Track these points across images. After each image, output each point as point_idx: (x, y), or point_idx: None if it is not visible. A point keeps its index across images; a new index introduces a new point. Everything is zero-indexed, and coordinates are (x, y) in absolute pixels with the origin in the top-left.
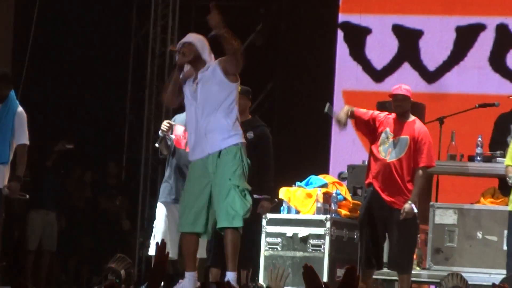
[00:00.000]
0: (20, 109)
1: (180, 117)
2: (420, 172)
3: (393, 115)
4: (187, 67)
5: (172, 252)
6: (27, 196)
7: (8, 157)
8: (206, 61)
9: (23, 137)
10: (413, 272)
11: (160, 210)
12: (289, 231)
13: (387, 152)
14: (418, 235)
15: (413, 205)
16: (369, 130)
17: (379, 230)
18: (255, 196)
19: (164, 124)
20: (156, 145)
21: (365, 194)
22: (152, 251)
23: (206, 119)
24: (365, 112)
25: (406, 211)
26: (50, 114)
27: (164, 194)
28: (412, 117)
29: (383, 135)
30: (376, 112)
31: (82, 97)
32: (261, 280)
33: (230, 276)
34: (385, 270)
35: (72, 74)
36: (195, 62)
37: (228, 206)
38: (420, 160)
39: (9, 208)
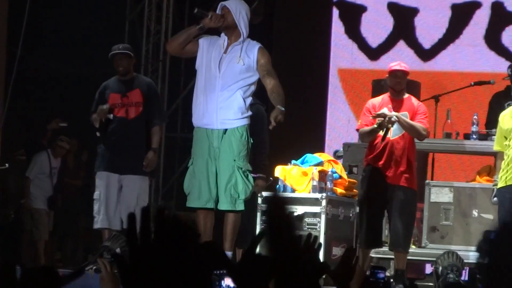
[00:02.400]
0: None
1: (112, 84)
2: (420, 125)
3: (387, 95)
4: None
5: (114, 223)
6: None
7: None
8: (242, 33)
9: None
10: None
11: (97, 181)
12: None
13: (388, 129)
14: None
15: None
16: None
17: (380, 209)
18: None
19: (103, 110)
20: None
21: (363, 173)
22: (100, 224)
23: (224, 93)
24: (368, 122)
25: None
26: (44, 93)
27: (101, 163)
28: (406, 94)
29: (379, 113)
30: (370, 105)
31: (77, 76)
32: None
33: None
34: (380, 249)
35: (66, 53)
36: (229, 30)
37: (231, 188)
38: (421, 122)
39: (5, 186)
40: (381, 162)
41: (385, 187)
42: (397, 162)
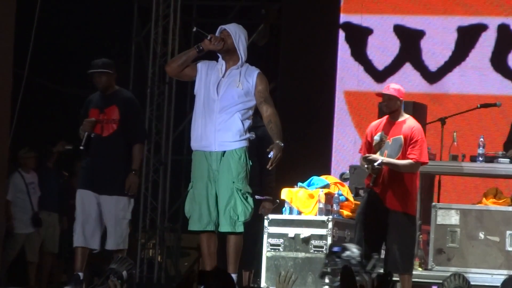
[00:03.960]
0: None
1: (94, 99)
2: (409, 162)
3: (386, 117)
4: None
5: (92, 242)
6: None
7: None
8: (240, 57)
9: None
10: (415, 273)
11: (78, 199)
12: (291, 232)
13: (383, 154)
14: (420, 236)
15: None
16: None
17: (375, 232)
18: (256, 197)
19: (90, 123)
20: (81, 147)
21: (363, 195)
22: (76, 242)
23: (222, 116)
24: (366, 144)
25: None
26: (50, 115)
27: (80, 181)
28: (404, 116)
29: (376, 138)
30: (368, 131)
31: (83, 98)
32: (263, 281)
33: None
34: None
35: (73, 75)
36: (227, 53)
37: (230, 210)
38: (412, 156)
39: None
40: (378, 187)
41: (382, 210)
42: (393, 186)
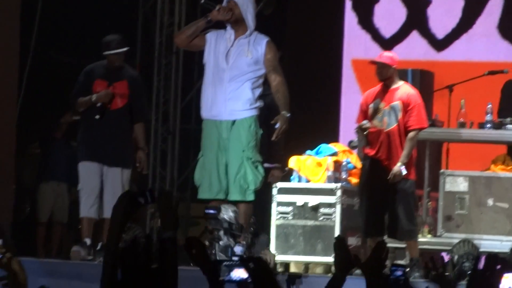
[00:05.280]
0: None
1: (99, 70)
2: (411, 134)
3: (380, 85)
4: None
5: (93, 212)
6: None
7: None
8: (248, 27)
9: None
10: (424, 239)
11: (80, 170)
12: (299, 200)
13: (382, 121)
14: (429, 202)
15: (402, 167)
16: None
17: (380, 198)
18: (265, 165)
19: (108, 94)
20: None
21: (362, 163)
22: (82, 213)
23: (232, 85)
24: (362, 113)
25: (394, 173)
26: (58, 87)
27: (83, 152)
28: (399, 83)
29: (371, 106)
30: (363, 100)
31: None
32: (272, 249)
33: (239, 247)
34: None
35: (79, 45)
36: (236, 23)
37: (241, 179)
38: (410, 123)
39: (19, 180)
40: (378, 153)
41: (383, 177)
42: (392, 152)
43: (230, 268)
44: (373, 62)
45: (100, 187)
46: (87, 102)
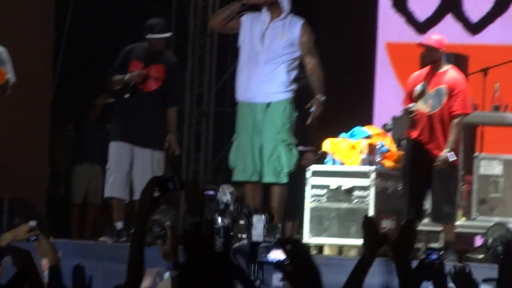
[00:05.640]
0: (0, 47)
1: (138, 51)
2: (456, 120)
3: (427, 68)
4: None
5: (121, 192)
6: None
7: None
8: (283, 9)
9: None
10: (458, 223)
11: (111, 150)
12: (333, 182)
13: (427, 104)
14: (463, 186)
15: (448, 154)
16: None
17: (422, 181)
18: (299, 148)
19: (141, 75)
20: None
21: (406, 145)
22: (107, 193)
23: (267, 67)
24: (408, 95)
25: (441, 159)
26: (93, 69)
27: (114, 133)
28: (446, 66)
29: (417, 88)
30: (409, 82)
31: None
32: (306, 232)
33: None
34: (427, 221)
35: (114, 27)
36: (270, 6)
37: (275, 161)
38: (455, 108)
39: (54, 162)
40: (422, 136)
41: (426, 160)
42: (436, 135)
43: (268, 250)
44: (420, 45)
45: (129, 169)
46: (120, 81)
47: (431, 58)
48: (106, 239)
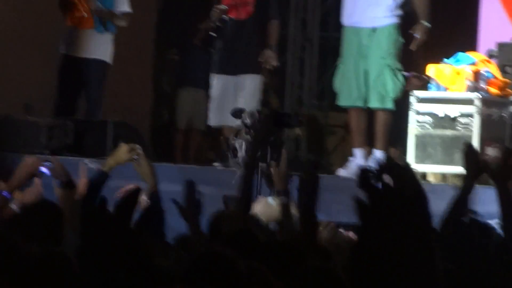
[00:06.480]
0: None
1: None
2: None
3: None
4: None
5: (229, 120)
6: None
7: (114, 27)
8: None
9: (123, 4)
10: None
11: (214, 82)
12: (438, 109)
13: None
14: None
15: None
16: None
17: None
18: (403, 73)
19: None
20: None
21: None
22: (211, 121)
23: None
24: None
25: None
26: None
27: (214, 66)
28: None
29: None
30: None
31: None
32: (411, 159)
33: (378, 154)
34: None
35: None
36: None
37: (380, 86)
38: None
39: (157, 86)
40: None
41: None
42: None
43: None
44: None
45: (233, 98)
46: (209, 22)
47: None
48: (218, 164)
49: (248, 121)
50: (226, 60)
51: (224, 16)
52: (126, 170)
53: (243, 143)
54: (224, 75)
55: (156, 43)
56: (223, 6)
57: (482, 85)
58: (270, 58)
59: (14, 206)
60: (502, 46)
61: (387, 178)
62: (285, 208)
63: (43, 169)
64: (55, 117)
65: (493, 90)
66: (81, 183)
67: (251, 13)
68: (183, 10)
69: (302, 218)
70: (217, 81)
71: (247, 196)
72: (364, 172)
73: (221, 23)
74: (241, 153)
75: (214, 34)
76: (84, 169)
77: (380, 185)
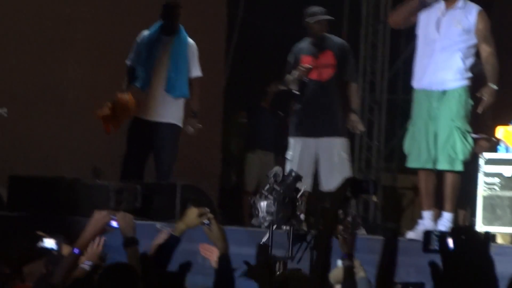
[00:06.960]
0: (191, 40)
1: (304, 46)
2: None
3: None
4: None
5: (306, 184)
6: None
7: (188, 91)
8: None
9: (196, 69)
10: None
11: (292, 145)
12: (507, 170)
13: None
14: None
15: None
16: None
17: None
18: (472, 135)
19: (306, 68)
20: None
21: None
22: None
23: (443, 55)
24: None
25: None
26: (265, 55)
27: (293, 128)
28: None
29: None
30: None
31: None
32: (479, 221)
33: (447, 216)
34: None
35: (286, 14)
36: None
37: (449, 148)
38: None
39: (226, 149)
40: None
41: None
42: None
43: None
44: None
45: (313, 162)
46: (288, 81)
47: None
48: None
49: (272, 179)
50: (306, 123)
51: (304, 78)
52: (195, 232)
53: (265, 203)
54: (304, 137)
55: (224, 106)
56: (308, 65)
57: None
58: (356, 122)
59: (85, 266)
60: None
61: (451, 242)
62: (348, 270)
63: (113, 223)
64: (123, 180)
65: None
66: (153, 245)
67: (332, 75)
68: (250, 73)
69: (380, 281)
70: (295, 143)
71: (324, 262)
72: (428, 236)
73: (301, 84)
74: (263, 213)
75: (297, 92)
76: (164, 233)
77: (449, 247)
